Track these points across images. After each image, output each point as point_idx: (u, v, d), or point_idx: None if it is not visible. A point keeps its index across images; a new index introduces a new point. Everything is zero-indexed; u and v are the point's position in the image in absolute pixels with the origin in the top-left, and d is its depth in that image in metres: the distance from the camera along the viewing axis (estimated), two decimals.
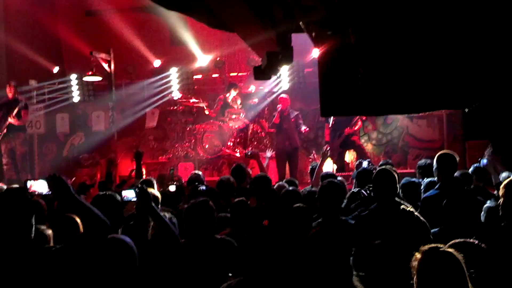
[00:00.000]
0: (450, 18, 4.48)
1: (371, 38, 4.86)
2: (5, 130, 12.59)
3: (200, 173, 8.62)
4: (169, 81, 15.66)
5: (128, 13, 16.21)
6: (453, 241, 3.87)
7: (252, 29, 5.06)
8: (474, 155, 12.54)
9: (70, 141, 16.08)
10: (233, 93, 14.35)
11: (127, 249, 3.90)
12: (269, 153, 11.32)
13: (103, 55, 14.29)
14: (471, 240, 3.94)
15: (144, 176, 7.67)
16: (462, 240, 3.91)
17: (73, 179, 12.14)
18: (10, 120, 12.54)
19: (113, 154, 14.75)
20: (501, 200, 4.72)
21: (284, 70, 14.44)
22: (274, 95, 15.03)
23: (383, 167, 5.93)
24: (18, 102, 12.86)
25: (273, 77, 6.51)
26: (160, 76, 15.93)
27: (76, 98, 15.65)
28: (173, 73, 15.53)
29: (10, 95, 12.78)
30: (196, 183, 7.36)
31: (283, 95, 13.53)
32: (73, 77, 15.65)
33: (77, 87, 15.62)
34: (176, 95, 15.38)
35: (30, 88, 15.43)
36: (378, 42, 4.87)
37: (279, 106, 13.14)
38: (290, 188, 6.76)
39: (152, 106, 15.97)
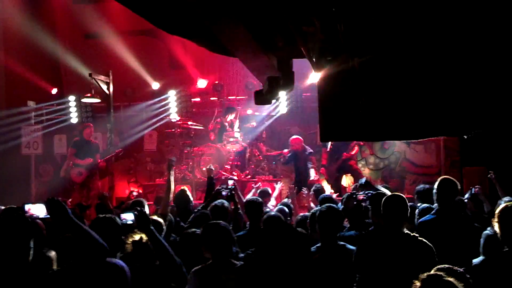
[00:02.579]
0: (452, 46, 4.52)
1: (372, 64, 4.89)
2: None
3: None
4: (167, 104, 15.72)
5: (127, 36, 16.32)
6: (438, 267, 3.84)
7: (253, 54, 5.09)
8: (471, 181, 12.53)
9: (67, 163, 16.04)
10: (230, 116, 14.40)
11: (120, 273, 3.88)
12: (279, 184, 11.31)
13: (102, 77, 14.33)
14: (456, 268, 3.92)
15: (172, 189, 7.40)
16: (447, 266, 3.88)
17: (69, 200, 12.09)
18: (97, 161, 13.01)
19: (110, 176, 14.73)
20: (496, 226, 4.71)
21: (283, 95, 14.51)
22: (272, 119, 15.11)
23: (395, 193, 5.84)
24: (96, 145, 13.44)
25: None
26: (159, 98, 16.01)
27: (74, 119, 15.66)
28: (172, 95, 15.58)
29: (86, 136, 13.14)
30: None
31: (294, 137, 13.71)
32: (72, 98, 15.69)
33: (75, 108, 15.65)
34: (174, 117, 15.41)
35: (28, 109, 15.45)
36: (379, 68, 4.90)
37: (291, 150, 13.37)
38: (272, 213, 6.67)
39: (150, 128, 16.01)
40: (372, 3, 4.44)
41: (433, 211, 6.21)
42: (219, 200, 7.08)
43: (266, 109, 14.94)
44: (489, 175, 8.65)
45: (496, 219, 4.70)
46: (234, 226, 6.35)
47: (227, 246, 4.89)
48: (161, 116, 15.79)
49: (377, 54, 4.81)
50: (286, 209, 7.56)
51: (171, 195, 7.41)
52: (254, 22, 4.45)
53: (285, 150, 14.01)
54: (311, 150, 13.64)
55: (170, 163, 7.47)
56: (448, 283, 3.29)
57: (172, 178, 7.33)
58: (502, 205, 4.74)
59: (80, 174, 12.88)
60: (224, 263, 4.82)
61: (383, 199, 5.47)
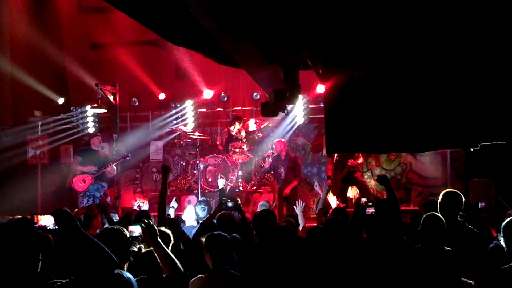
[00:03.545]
0: (459, 60, 4.53)
1: (378, 76, 4.90)
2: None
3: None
4: (173, 114, 15.77)
5: (133, 46, 16.40)
6: None
7: (259, 65, 5.12)
8: (477, 193, 12.51)
9: (73, 172, 16.07)
10: (237, 126, 14.41)
11: (126, 285, 3.88)
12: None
13: (108, 88, 14.38)
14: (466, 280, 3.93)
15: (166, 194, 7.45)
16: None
17: (75, 210, 12.10)
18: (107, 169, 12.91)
19: (116, 186, 14.74)
20: (502, 240, 4.70)
21: (300, 105, 14.56)
22: (291, 131, 15.19)
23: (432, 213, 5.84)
24: (105, 155, 13.32)
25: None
26: (165, 109, 16.06)
27: (80, 129, 15.73)
28: (178, 106, 15.64)
29: (96, 145, 13.17)
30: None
31: (279, 139, 13.53)
32: (78, 109, 15.75)
33: (82, 119, 15.71)
34: (180, 128, 15.46)
35: (35, 119, 15.50)
36: (385, 80, 4.91)
37: (272, 152, 13.26)
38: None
39: (156, 138, 16.05)
40: (376, 17, 4.46)
41: None
42: (227, 211, 7.13)
43: (272, 120, 14.95)
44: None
45: (501, 234, 4.68)
46: (242, 236, 6.34)
47: (226, 256, 4.93)
48: (167, 127, 15.83)
49: (383, 66, 4.83)
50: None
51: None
52: (261, 34, 4.48)
53: (270, 151, 13.84)
54: (296, 156, 13.44)
55: (165, 168, 7.52)
56: None
57: (166, 183, 7.45)
58: (508, 219, 4.72)
59: (83, 182, 12.87)
60: (222, 273, 4.86)
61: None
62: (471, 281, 3.94)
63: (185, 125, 15.55)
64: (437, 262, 5.12)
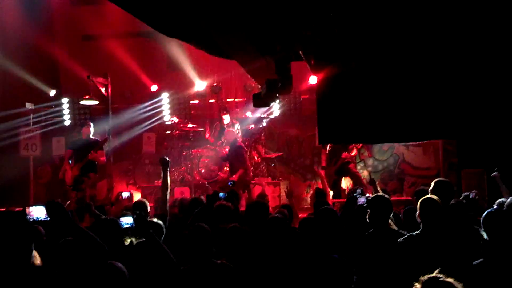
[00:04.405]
0: (450, 51, 4.54)
1: (369, 67, 4.90)
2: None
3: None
4: (166, 106, 15.73)
5: (125, 38, 16.31)
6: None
7: (251, 57, 5.11)
8: (469, 183, 12.55)
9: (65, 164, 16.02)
10: (225, 117, 14.41)
11: (119, 276, 3.89)
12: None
13: (100, 79, 14.32)
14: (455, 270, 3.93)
15: (169, 188, 7.41)
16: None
17: (68, 202, 12.07)
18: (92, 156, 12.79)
19: (109, 178, 14.72)
20: (483, 232, 4.73)
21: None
22: (266, 121, 15.16)
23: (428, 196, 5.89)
24: (94, 142, 13.10)
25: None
26: (157, 100, 16.01)
27: (67, 122, 15.68)
28: (170, 98, 15.60)
29: (87, 134, 13.07)
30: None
31: (230, 129, 13.78)
32: (70, 100, 15.69)
33: (73, 110, 15.65)
34: (173, 119, 15.42)
35: (26, 110, 15.42)
36: (376, 71, 4.91)
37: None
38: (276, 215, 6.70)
39: (149, 130, 16.00)
40: (368, 9, 4.46)
41: None
42: (223, 202, 7.14)
43: (264, 111, 14.95)
44: (493, 174, 8.59)
45: (482, 227, 4.71)
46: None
47: (206, 247, 5.00)
48: (160, 118, 15.79)
49: (374, 57, 4.83)
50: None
51: (168, 194, 7.39)
52: (253, 26, 4.47)
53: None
54: (241, 145, 13.48)
55: (163, 161, 7.42)
56: (447, 284, 3.31)
57: (167, 176, 7.35)
58: (486, 212, 4.73)
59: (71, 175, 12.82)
60: (204, 263, 4.95)
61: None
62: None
63: (178, 117, 15.48)
64: (439, 246, 5.17)
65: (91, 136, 13.12)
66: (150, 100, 16.04)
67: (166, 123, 15.52)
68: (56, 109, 15.86)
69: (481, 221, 4.70)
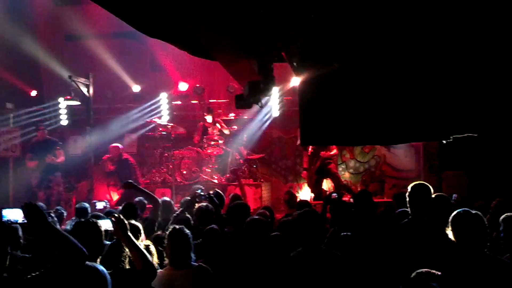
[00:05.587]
0: (431, 53, 4.56)
1: (351, 69, 4.92)
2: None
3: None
4: (148, 107, 15.68)
5: (108, 38, 16.21)
6: (417, 271, 3.88)
7: (234, 58, 5.10)
8: (449, 184, 12.65)
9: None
10: (209, 118, 14.43)
11: (100, 278, 3.85)
12: None
13: (82, 80, 14.25)
14: (434, 272, 3.95)
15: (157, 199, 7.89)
16: (425, 270, 3.92)
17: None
18: (48, 159, 13.02)
19: (89, 179, 14.65)
20: (450, 233, 4.72)
21: (275, 98, 14.67)
22: (267, 123, 15.22)
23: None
24: (54, 142, 13.44)
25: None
26: (139, 101, 15.96)
27: (53, 122, 15.59)
28: (152, 98, 15.57)
29: (41, 137, 13.26)
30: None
31: (114, 144, 14.14)
32: (51, 101, 15.60)
33: (55, 111, 15.57)
34: (155, 120, 15.37)
35: (6, 111, 15.30)
36: (358, 73, 4.92)
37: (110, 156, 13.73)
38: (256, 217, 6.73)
39: (130, 131, 15.95)
40: (351, 8, 4.47)
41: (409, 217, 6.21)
42: (204, 204, 7.16)
43: (248, 112, 14.96)
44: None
45: (449, 226, 4.69)
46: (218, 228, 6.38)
47: (184, 249, 5.18)
48: (141, 119, 15.76)
49: (357, 59, 4.84)
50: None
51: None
52: (236, 27, 4.46)
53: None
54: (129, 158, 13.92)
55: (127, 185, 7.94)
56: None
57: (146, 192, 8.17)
58: (455, 212, 4.74)
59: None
60: (181, 265, 5.14)
61: None
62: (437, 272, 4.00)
63: (159, 117, 15.47)
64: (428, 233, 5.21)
65: (47, 136, 13.27)
66: (133, 101, 16.08)
67: (153, 124, 15.49)
68: (37, 109, 15.77)
69: (450, 222, 4.70)
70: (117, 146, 13.80)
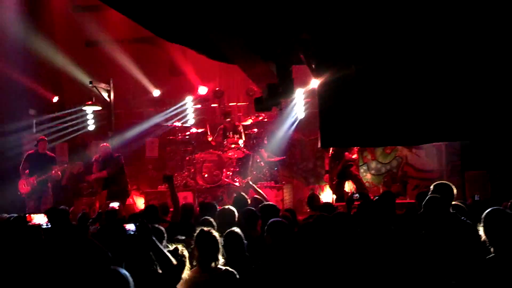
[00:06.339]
0: (451, 54, 4.52)
1: (370, 71, 4.89)
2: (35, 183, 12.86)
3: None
4: (168, 111, 15.77)
5: (127, 43, 16.34)
6: None
7: (252, 61, 5.10)
8: (472, 185, 12.54)
9: (69, 170, 16.01)
10: (227, 121, 14.45)
11: (123, 282, 3.88)
12: None
13: (102, 85, 14.36)
14: None
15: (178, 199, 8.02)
16: None
17: (72, 208, 12.07)
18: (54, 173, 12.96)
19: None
20: (481, 230, 4.69)
21: (300, 99, 14.69)
22: (294, 126, 15.26)
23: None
24: (51, 158, 13.28)
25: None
26: (160, 105, 16.05)
27: (77, 128, 15.75)
28: (172, 103, 15.65)
29: (41, 149, 13.11)
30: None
31: (104, 144, 13.68)
32: (73, 107, 15.76)
33: (78, 117, 15.74)
34: (175, 124, 15.45)
35: (30, 117, 15.47)
36: (378, 74, 4.90)
37: (99, 155, 13.35)
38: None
39: (152, 135, 16.05)
40: (368, 11, 4.45)
41: None
42: (227, 206, 7.20)
43: (267, 114, 14.95)
44: None
45: (481, 224, 4.66)
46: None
47: (211, 253, 5.12)
48: (162, 123, 15.85)
49: (375, 59, 4.82)
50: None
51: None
52: (253, 31, 4.47)
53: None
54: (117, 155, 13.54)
55: (166, 178, 7.98)
56: None
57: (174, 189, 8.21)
58: (489, 210, 4.70)
59: (27, 185, 12.91)
60: (206, 268, 5.08)
61: None
62: None
63: (179, 120, 15.54)
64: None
65: (46, 151, 13.22)
66: (153, 105, 16.17)
67: (169, 128, 15.55)
68: (59, 115, 15.93)
69: (482, 218, 4.66)
70: (106, 145, 13.63)
